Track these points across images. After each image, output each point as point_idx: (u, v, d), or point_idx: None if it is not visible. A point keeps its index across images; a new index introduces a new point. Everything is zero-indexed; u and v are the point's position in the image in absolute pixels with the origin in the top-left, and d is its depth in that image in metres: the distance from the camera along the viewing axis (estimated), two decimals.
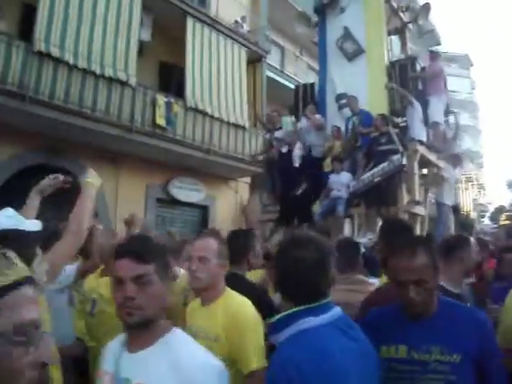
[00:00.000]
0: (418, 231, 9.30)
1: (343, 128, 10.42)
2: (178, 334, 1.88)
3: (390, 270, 2.35)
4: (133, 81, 12.72)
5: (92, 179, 3.07)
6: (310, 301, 1.99)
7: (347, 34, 10.77)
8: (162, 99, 13.09)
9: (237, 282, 3.20)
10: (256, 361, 2.62)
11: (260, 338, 2.77)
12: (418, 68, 10.88)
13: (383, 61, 10.66)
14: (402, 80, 10.41)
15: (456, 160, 10.43)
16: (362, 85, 10.27)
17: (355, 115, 10.07)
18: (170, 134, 13.18)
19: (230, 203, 16.50)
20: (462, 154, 11.71)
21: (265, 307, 3.08)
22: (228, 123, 14.89)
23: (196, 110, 13.97)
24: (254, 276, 4.46)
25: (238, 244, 3.70)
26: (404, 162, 8.85)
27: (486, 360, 2.24)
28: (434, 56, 11.00)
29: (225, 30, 15.48)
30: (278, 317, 2.02)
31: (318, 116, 10.71)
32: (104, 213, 13.03)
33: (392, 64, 10.84)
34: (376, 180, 9.01)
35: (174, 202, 15.22)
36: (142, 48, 14.00)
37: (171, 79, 14.96)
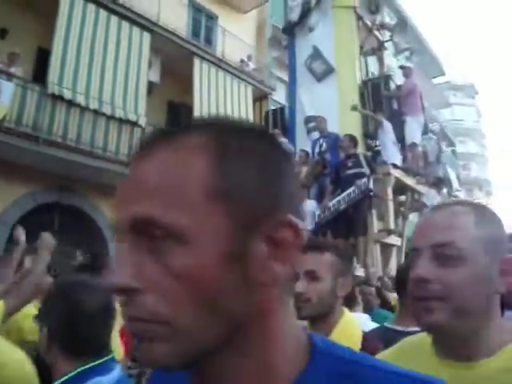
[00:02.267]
0: (392, 264, 8.28)
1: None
2: None
3: None
4: (143, 121, 12.68)
5: (46, 242, 3.12)
6: (93, 357, 1.63)
7: (316, 54, 9.97)
8: None
9: None
10: None
11: None
12: (393, 86, 10.00)
13: (355, 80, 9.78)
14: (374, 99, 9.59)
15: (439, 184, 9.70)
16: (332, 106, 9.31)
17: (323, 137, 9.06)
18: None
19: None
20: (445, 178, 10.70)
21: None
22: None
23: None
24: None
25: None
26: (371, 186, 7.76)
27: None
28: (407, 72, 10.00)
29: (231, 68, 15.52)
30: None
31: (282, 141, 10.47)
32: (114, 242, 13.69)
33: (364, 83, 9.97)
34: (342, 207, 7.98)
35: None
36: (151, 88, 14.05)
37: (179, 117, 14.91)
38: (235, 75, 15.93)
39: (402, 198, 10.00)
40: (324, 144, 8.90)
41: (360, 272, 6.95)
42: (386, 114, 9.31)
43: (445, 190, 29.50)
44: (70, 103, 11.41)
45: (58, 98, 11.22)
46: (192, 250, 0.58)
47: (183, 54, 14.53)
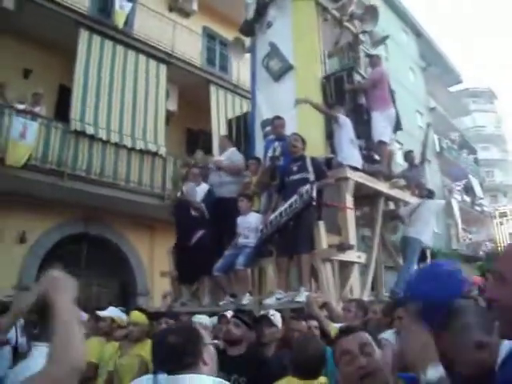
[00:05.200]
0: (355, 285, 6.42)
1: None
2: None
3: None
4: (163, 151, 12.52)
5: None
6: None
7: (273, 51, 8.48)
8: None
9: None
10: None
11: None
12: (359, 79, 8.27)
13: (317, 76, 8.15)
14: (337, 95, 7.92)
15: (420, 190, 7.99)
16: (290, 106, 7.65)
17: (279, 141, 7.31)
18: None
19: None
20: (425, 183, 8.85)
21: None
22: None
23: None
24: None
25: None
26: (314, 194, 5.99)
27: None
28: (374, 61, 8.32)
29: (247, 93, 14.57)
30: None
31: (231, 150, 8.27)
32: (141, 274, 13.11)
33: (327, 78, 8.23)
34: (284, 220, 6.22)
35: None
36: (169, 117, 13.75)
37: (198, 144, 14.14)
38: (250, 99, 16.01)
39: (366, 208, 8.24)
40: (279, 148, 7.29)
41: (302, 297, 5.46)
42: (348, 109, 7.67)
43: (468, 199, 29.17)
44: (92, 138, 11.35)
45: (80, 134, 11.13)
46: None
47: (199, 82, 14.32)
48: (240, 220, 6.90)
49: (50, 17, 11.51)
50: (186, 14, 15.34)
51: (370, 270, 7.10)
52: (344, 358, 1.87)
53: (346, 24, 9.24)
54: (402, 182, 8.14)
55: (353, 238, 6.61)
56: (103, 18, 12.78)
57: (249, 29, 9.38)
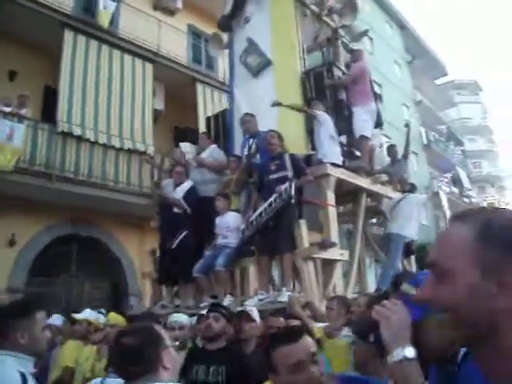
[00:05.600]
0: (338, 283, 6.28)
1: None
2: None
3: None
4: (151, 150, 12.37)
5: None
6: None
7: (251, 47, 8.29)
8: None
9: None
10: None
11: None
12: (340, 74, 8.05)
13: (296, 71, 7.92)
14: (317, 90, 7.72)
15: (402, 185, 7.97)
16: (270, 102, 7.39)
17: (252, 138, 7.21)
18: None
19: None
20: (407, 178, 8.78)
21: None
22: None
23: None
24: None
25: None
26: (292, 192, 5.83)
27: None
28: (355, 56, 8.09)
29: None
30: None
31: (202, 154, 8.01)
32: (132, 274, 12.96)
33: (306, 74, 8.01)
34: (264, 220, 6.06)
35: None
36: (157, 116, 13.63)
37: (186, 142, 15.91)
38: None
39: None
40: (253, 145, 7.14)
41: (285, 297, 5.39)
42: (328, 105, 7.49)
43: (456, 190, 29.08)
44: (80, 139, 11.21)
45: (67, 135, 10.99)
46: None
47: (185, 80, 14.19)
48: (218, 220, 6.71)
49: (34, 18, 11.36)
50: (171, 12, 15.19)
51: (354, 267, 7.02)
52: (293, 368, 1.89)
53: (325, 19, 9.05)
54: (384, 177, 7.95)
55: (335, 236, 6.46)
56: (88, 18, 12.59)
57: (226, 24, 9.21)
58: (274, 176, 6.28)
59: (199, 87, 14.14)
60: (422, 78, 30.09)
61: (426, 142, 28.15)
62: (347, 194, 7.56)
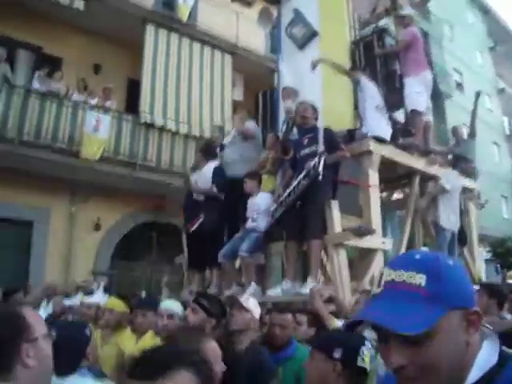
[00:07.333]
0: (375, 278, 5.03)
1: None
2: None
3: None
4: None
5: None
6: None
7: (297, 17, 7.49)
8: None
9: None
10: None
11: None
12: (392, 42, 7.06)
13: (345, 41, 7.05)
14: (367, 60, 6.86)
15: (466, 168, 6.81)
16: (315, 75, 6.60)
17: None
18: None
19: None
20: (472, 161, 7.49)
21: None
22: None
23: None
24: None
25: None
26: (320, 169, 4.97)
27: None
28: (405, 21, 6.94)
29: None
30: None
31: (248, 124, 7.13)
32: None
33: (356, 44, 7.15)
34: (291, 200, 5.26)
35: None
36: (235, 107, 13.59)
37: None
38: None
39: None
40: (290, 120, 6.34)
41: (307, 289, 4.54)
42: (380, 77, 6.69)
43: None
44: (162, 130, 11.48)
45: (150, 126, 11.26)
46: None
47: (264, 71, 13.83)
48: (249, 202, 5.93)
49: (117, 14, 11.76)
50: (248, 3, 15.12)
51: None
52: None
53: None
54: (442, 157, 6.84)
55: (377, 222, 5.38)
56: (168, 12, 12.64)
57: None
58: (306, 151, 5.42)
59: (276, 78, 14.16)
60: (505, 64, 28.65)
61: (508, 132, 26.48)
62: (403, 177, 6.58)
